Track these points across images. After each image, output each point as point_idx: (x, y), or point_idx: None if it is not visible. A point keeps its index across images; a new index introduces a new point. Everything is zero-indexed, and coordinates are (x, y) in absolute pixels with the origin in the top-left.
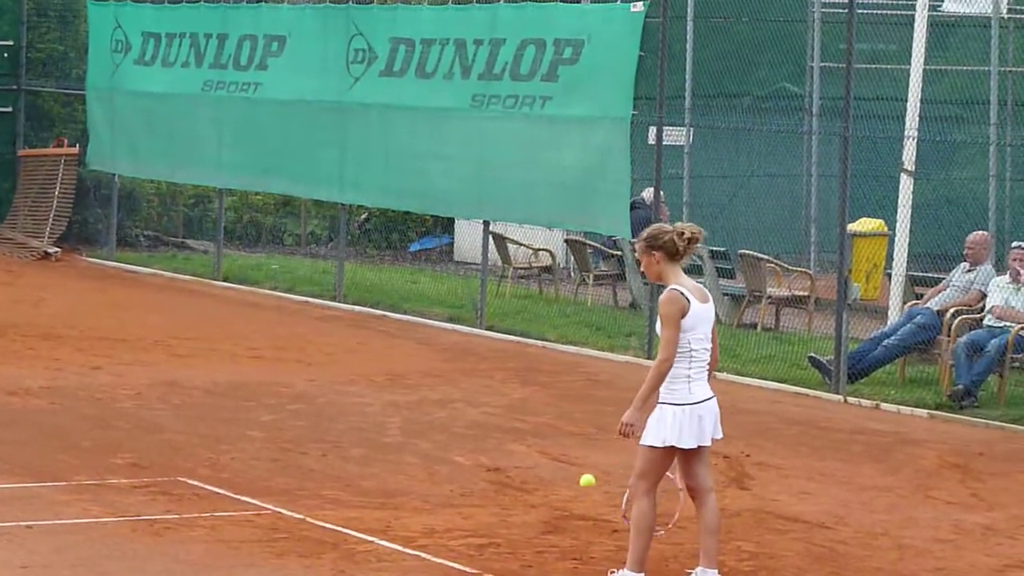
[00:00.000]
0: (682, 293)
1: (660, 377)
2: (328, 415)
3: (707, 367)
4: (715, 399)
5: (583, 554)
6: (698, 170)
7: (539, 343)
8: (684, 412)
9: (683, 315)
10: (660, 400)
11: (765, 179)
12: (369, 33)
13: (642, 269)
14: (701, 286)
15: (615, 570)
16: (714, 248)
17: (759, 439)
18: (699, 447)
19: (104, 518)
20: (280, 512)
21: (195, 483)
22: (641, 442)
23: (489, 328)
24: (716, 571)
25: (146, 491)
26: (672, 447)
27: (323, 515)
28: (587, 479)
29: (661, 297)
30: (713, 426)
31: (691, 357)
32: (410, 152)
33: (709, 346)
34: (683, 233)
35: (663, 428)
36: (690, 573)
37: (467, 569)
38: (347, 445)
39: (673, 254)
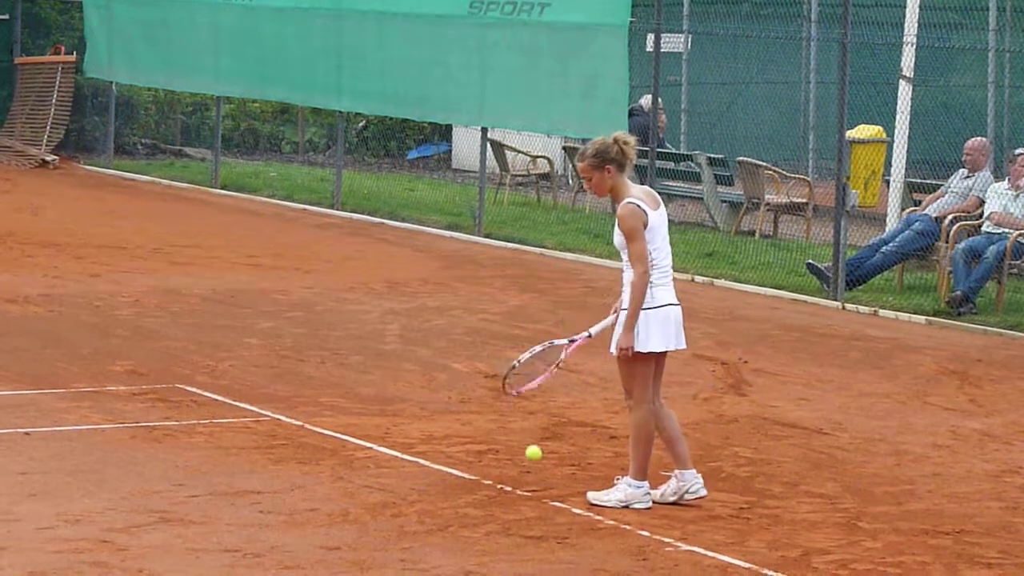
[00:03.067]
0: (638, 205)
1: (643, 292)
2: (326, 322)
3: (669, 273)
4: (680, 307)
5: (581, 460)
6: (696, 77)
7: (537, 250)
8: (648, 316)
9: (645, 226)
10: (623, 307)
11: (763, 86)
12: None
13: (588, 188)
14: (650, 190)
15: (619, 477)
16: (712, 155)
17: (757, 346)
18: (660, 359)
19: (103, 425)
20: (279, 419)
21: (194, 390)
22: (611, 350)
23: (487, 236)
24: (693, 470)
25: (145, 398)
26: (644, 353)
27: (322, 422)
28: (532, 451)
29: (620, 211)
30: (677, 333)
31: (652, 265)
32: (408, 59)
33: (668, 251)
34: (623, 140)
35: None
36: (669, 476)
37: (466, 475)
38: (345, 352)
39: (623, 164)
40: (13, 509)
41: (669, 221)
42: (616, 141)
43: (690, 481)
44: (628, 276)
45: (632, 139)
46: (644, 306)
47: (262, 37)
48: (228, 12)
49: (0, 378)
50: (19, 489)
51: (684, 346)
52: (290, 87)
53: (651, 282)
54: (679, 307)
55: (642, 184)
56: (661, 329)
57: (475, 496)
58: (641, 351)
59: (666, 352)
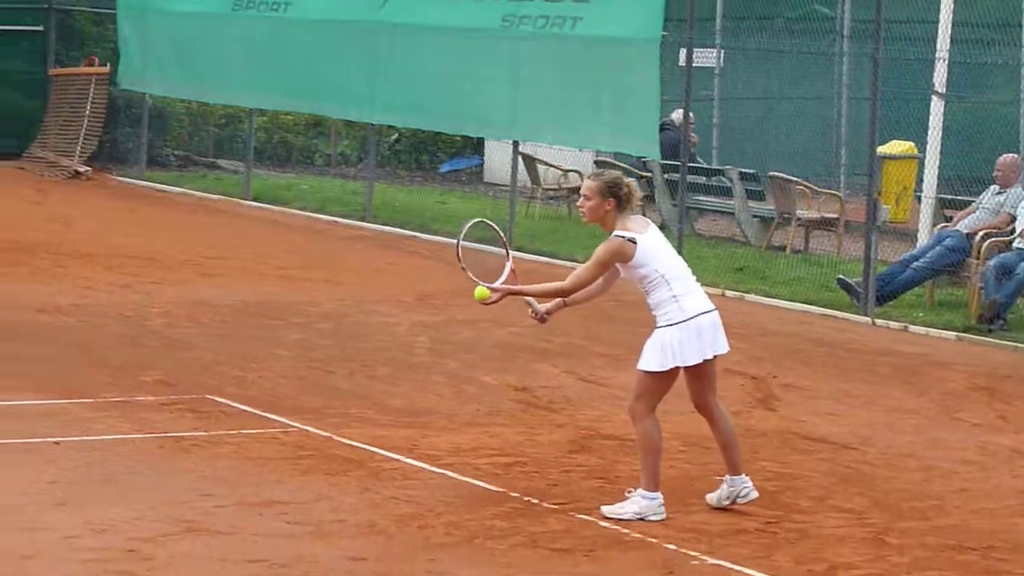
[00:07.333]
0: (630, 239)
1: (553, 295)
2: (356, 334)
3: (693, 282)
4: (716, 312)
5: (609, 473)
6: (728, 92)
7: (568, 264)
8: (679, 330)
9: (624, 260)
10: (657, 326)
11: (795, 101)
12: None
13: (581, 206)
14: (639, 216)
15: (631, 489)
16: (743, 170)
17: (786, 360)
18: (703, 365)
19: (132, 434)
20: (307, 430)
21: (223, 400)
22: (640, 367)
23: (518, 249)
24: (744, 476)
25: (174, 408)
26: (674, 369)
27: (349, 433)
28: (480, 292)
29: (608, 243)
30: (714, 339)
31: (666, 282)
32: (440, 73)
33: (681, 262)
34: (634, 191)
35: (663, 352)
36: (722, 480)
37: (493, 487)
38: (374, 364)
39: (624, 207)
40: (40, 518)
41: (700, 236)
42: (630, 184)
43: (740, 486)
44: (652, 299)
45: (638, 191)
46: (675, 320)
47: (295, 49)
48: (261, 25)
49: (29, 387)
50: (47, 498)
51: (726, 350)
52: (322, 100)
53: (675, 296)
54: (714, 311)
55: (673, 198)
56: (696, 341)
57: (501, 508)
58: (670, 367)
59: (711, 359)
